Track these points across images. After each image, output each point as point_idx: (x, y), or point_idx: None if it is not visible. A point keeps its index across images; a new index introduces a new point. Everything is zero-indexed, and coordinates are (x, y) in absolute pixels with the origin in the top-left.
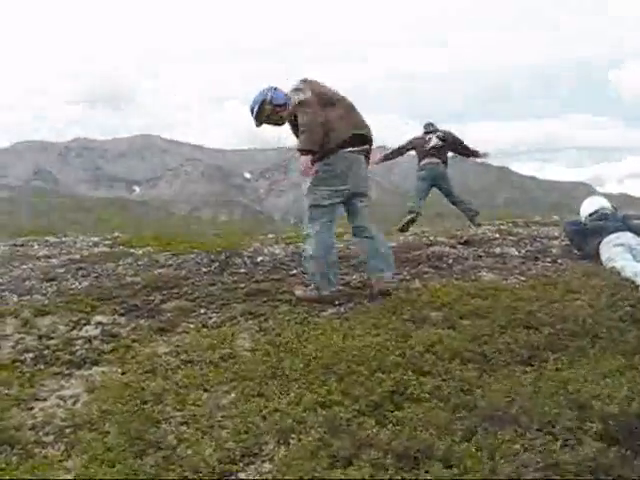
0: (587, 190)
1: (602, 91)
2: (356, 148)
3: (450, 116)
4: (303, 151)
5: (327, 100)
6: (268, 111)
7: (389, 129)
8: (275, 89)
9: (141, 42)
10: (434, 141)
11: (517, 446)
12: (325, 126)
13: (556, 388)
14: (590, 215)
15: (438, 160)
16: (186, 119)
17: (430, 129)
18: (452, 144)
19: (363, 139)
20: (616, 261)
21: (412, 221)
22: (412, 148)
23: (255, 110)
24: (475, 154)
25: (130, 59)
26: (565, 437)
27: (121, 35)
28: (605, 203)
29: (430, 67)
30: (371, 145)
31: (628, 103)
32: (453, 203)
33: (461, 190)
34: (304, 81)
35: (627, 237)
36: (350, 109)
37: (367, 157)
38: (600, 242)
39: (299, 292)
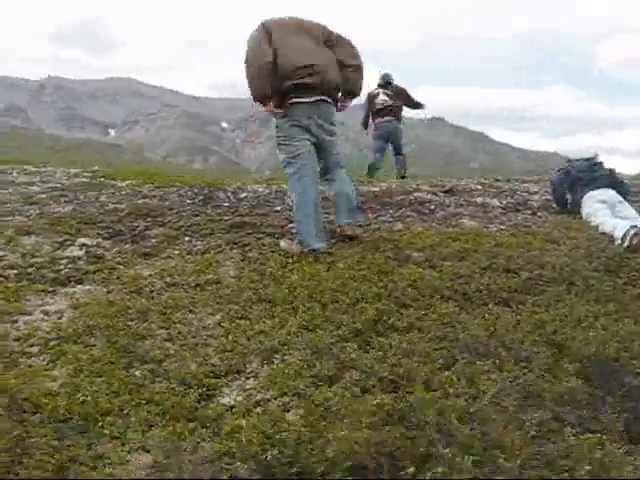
0: (561, 160)
1: (587, 65)
2: (310, 99)
3: (430, 76)
4: (256, 101)
5: (278, 43)
6: None
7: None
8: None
9: None
10: (381, 99)
11: (495, 376)
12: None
13: (533, 327)
14: (586, 160)
15: (390, 118)
16: (165, 64)
17: (382, 82)
18: (400, 98)
19: (316, 86)
20: (596, 216)
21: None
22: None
23: None
24: (418, 106)
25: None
26: (541, 372)
27: None
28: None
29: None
30: (332, 93)
31: (613, 78)
32: (396, 155)
33: (437, 152)
34: (262, 25)
35: (610, 194)
36: (301, 52)
37: (335, 104)
38: (582, 196)
39: (283, 244)
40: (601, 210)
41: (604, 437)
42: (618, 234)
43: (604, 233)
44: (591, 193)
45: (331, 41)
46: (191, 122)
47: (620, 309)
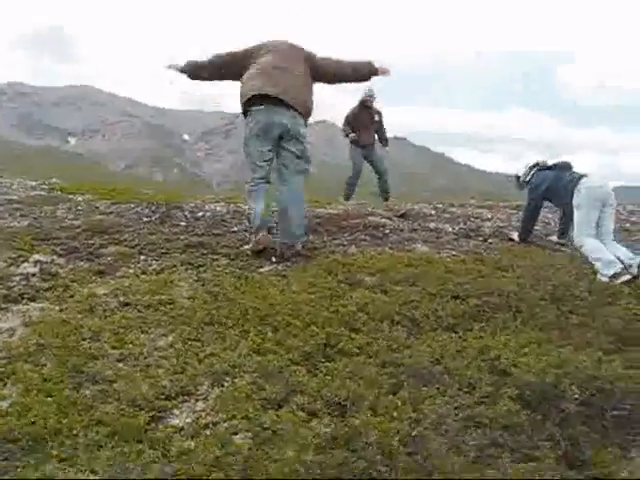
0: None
1: (548, 87)
2: (272, 105)
3: (393, 98)
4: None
5: (250, 58)
6: None
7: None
8: None
9: None
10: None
11: (439, 401)
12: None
13: (478, 354)
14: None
15: None
16: (127, 73)
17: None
18: None
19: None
20: (584, 230)
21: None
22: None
23: None
24: None
25: (76, 6)
26: (483, 397)
27: None
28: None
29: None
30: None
31: (572, 101)
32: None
33: (398, 172)
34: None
35: (608, 188)
36: (264, 70)
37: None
38: (574, 187)
39: (246, 247)
40: (591, 214)
41: (542, 463)
42: (606, 271)
43: (583, 257)
44: (591, 184)
45: (311, 60)
46: (153, 133)
47: (562, 337)
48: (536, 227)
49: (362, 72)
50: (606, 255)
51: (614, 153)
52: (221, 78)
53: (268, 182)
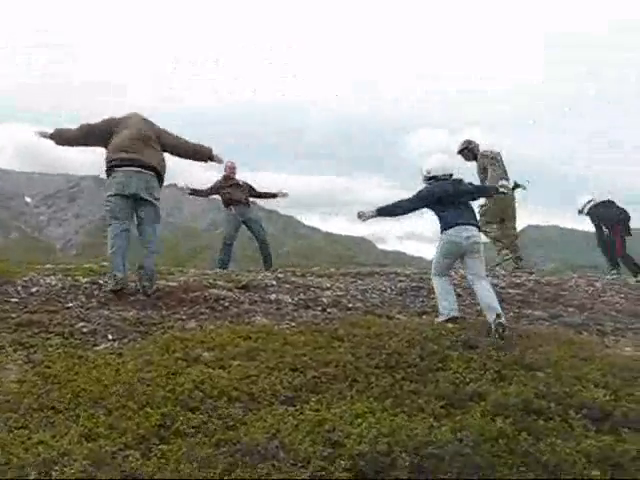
0: (368, 245)
1: (393, 154)
2: (133, 168)
3: (243, 163)
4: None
5: (114, 128)
6: None
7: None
8: None
9: None
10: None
11: (274, 478)
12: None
13: (313, 426)
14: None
15: None
16: None
17: None
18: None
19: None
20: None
21: None
22: None
23: None
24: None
25: None
26: (317, 471)
27: None
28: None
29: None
30: (157, 172)
31: (410, 166)
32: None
33: (247, 236)
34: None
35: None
36: (124, 140)
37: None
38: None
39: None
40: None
41: None
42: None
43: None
44: (456, 232)
45: (158, 133)
46: None
47: (396, 404)
48: (373, 296)
49: (202, 154)
50: (449, 302)
51: None
52: (85, 145)
53: (128, 230)
